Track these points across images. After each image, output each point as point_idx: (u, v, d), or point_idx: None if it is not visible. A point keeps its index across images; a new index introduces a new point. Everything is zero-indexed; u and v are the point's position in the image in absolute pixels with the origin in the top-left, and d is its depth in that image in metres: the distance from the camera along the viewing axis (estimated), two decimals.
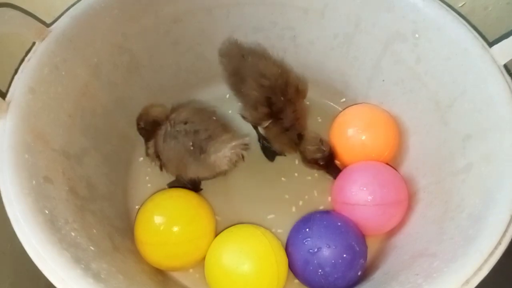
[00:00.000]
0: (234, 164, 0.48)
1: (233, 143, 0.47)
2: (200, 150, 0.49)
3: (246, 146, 0.48)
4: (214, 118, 0.52)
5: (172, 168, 0.53)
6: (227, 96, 0.62)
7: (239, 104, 0.57)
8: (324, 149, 0.55)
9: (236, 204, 0.58)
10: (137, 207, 0.57)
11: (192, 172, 0.51)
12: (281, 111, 0.53)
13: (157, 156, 0.53)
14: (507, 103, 0.43)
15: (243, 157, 0.48)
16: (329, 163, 0.57)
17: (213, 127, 0.50)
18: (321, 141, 0.56)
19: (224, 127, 0.52)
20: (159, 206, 0.51)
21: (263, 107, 0.53)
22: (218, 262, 0.48)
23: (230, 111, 0.66)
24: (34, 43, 0.47)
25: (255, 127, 0.60)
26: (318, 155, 0.55)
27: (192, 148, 0.49)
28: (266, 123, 0.54)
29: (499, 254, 0.36)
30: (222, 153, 0.47)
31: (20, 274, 0.57)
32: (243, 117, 0.56)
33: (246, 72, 0.54)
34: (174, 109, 0.54)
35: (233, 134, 0.51)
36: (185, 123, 0.50)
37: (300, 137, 0.55)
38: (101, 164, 0.55)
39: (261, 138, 0.61)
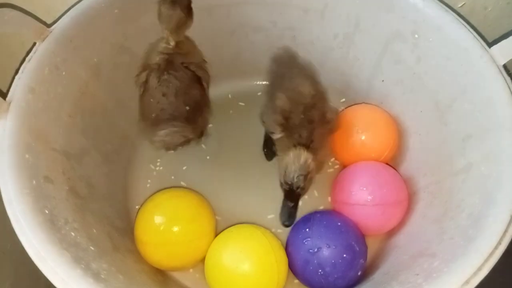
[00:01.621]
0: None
1: (168, 131, 0.51)
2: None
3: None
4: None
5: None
6: (229, 96, 0.63)
7: (264, 106, 0.56)
8: (301, 184, 0.48)
9: (236, 204, 0.58)
10: (137, 207, 0.57)
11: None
12: (295, 128, 0.50)
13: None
14: (506, 103, 0.43)
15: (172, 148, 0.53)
16: (289, 195, 0.50)
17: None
18: (305, 177, 0.48)
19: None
20: (159, 206, 0.51)
21: (279, 117, 0.50)
22: (218, 262, 0.48)
23: (231, 111, 0.66)
24: (34, 43, 0.47)
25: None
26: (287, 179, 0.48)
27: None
28: (278, 134, 0.51)
29: (499, 254, 0.36)
30: (159, 134, 0.51)
31: (20, 274, 0.57)
32: (262, 121, 0.55)
33: (284, 82, 0.53)
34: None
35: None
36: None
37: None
38: (101, 164, 0.55)
39: (268, 139, 0.60)
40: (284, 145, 0.51)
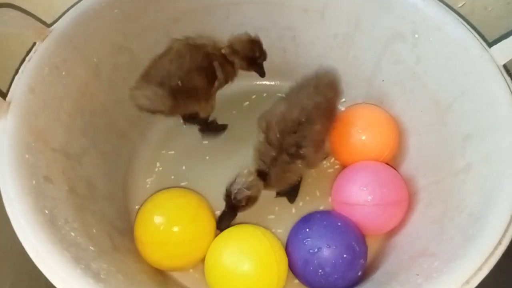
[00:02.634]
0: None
1: (145, 92, 0.52)
2: None
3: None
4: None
5: None
6: (231, 96, 0.63)
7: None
8: (239, 198, 0.50)
9: None
10: (137, 207, 0.57)
11: None
12: (269, 144, 0.50)
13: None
14: (506, 103, 0.43)
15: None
16: (227, 203, 0.51)
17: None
18: (246, 196, 0.50)
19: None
20: (159, 206, 0.51)
21: (264, 124, 0.51)
22: (218, 262, 0.48)
23: (234, 112, 0.66)
24: (34, 43, 0.47)
25: None
26: None
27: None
28: (260, 138, 0.51)
29: (499, 254, 0.36)
30: (137, 92, 0.52)
31: (20, 274, 0.57)
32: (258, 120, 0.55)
33: (294, 94, 0.53)
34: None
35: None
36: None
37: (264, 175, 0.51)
38: (101, 164, 0.55)
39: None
40: (260, 152, 0.51)
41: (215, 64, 0.54)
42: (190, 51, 0.53)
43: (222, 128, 0.65)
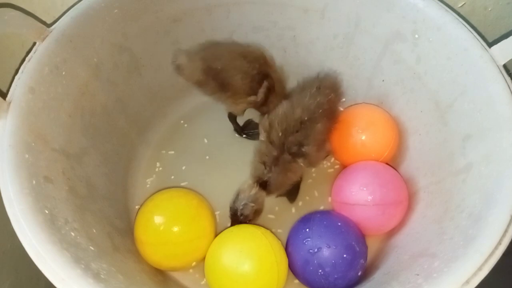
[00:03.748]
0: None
1: (188, 58, 0.53)
2: None
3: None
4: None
5: None
6: None
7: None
8: (245, 213, 0.51)
9: None
10: (137, 207, 0.57)
11: None
12: (271, 143, 0.51)
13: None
14: (507, 103, 0.43)
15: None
16: (233, 219, 0.52)
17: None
18: (252, 208, 0.51)
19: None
20: (159, 206, 0.51)
21: (267, 123, 0.51)
22: (218, 262, 0.48)
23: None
24: (34, 43, 0.47)
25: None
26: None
27: None
28: (261, 137, 0.53)
29: (499, 254, 0.36)
30: (183, 55, 0.54)
31: (20, 274, 0.57)
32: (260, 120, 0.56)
33: (296, 94, 0.53)
34: None
35: None
36: None
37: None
38: (101, 164, 0.55)
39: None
40: (261, 152, 0.51)
41: (265, 84, 0.55)
42: (255, 59, 0.54)
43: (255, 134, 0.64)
